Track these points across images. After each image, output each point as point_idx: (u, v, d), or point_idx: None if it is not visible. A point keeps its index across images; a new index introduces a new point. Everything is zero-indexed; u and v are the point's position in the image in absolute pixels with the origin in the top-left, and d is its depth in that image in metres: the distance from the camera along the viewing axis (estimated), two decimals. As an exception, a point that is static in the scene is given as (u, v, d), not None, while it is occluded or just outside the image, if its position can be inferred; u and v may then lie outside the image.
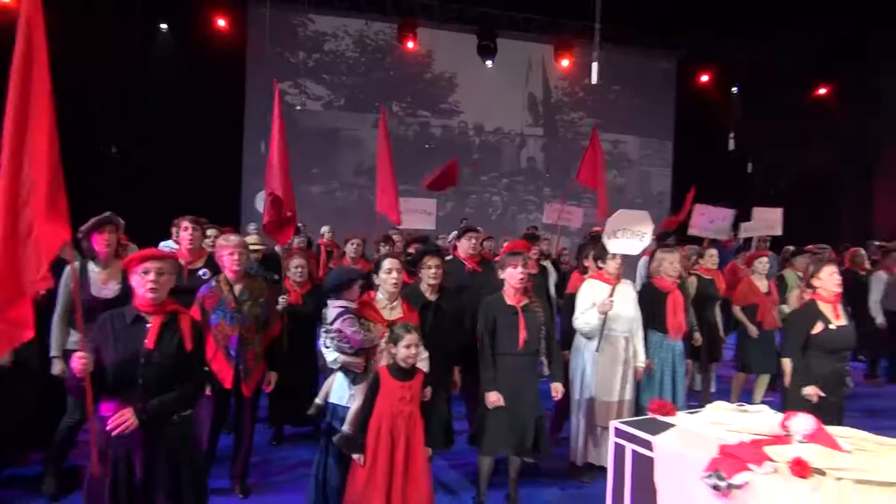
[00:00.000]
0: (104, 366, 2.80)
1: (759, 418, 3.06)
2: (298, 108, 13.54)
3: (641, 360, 4.69)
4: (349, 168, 14.20)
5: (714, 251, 6.34)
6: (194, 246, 4.76)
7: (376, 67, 14.28)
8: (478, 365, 4.76)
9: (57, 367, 4.01)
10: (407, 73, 14.43)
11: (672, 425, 3.03)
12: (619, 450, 3.07)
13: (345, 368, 3.75)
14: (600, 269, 4.74)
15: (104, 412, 2.82)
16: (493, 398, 4.07)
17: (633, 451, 2.98)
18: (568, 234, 10.08)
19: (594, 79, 8.88)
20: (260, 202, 9.00)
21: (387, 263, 3.96)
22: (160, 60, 12.47)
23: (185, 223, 4.76)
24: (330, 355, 3.76)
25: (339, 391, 3.77)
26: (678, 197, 14.34)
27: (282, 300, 4.89)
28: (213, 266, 4.69)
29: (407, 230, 8.33)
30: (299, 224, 7.41)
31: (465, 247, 5.64)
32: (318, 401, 3.95)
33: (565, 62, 14.89)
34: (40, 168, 2.55)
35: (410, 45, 13.91)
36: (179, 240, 4.87)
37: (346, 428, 3.66)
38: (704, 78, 15.89)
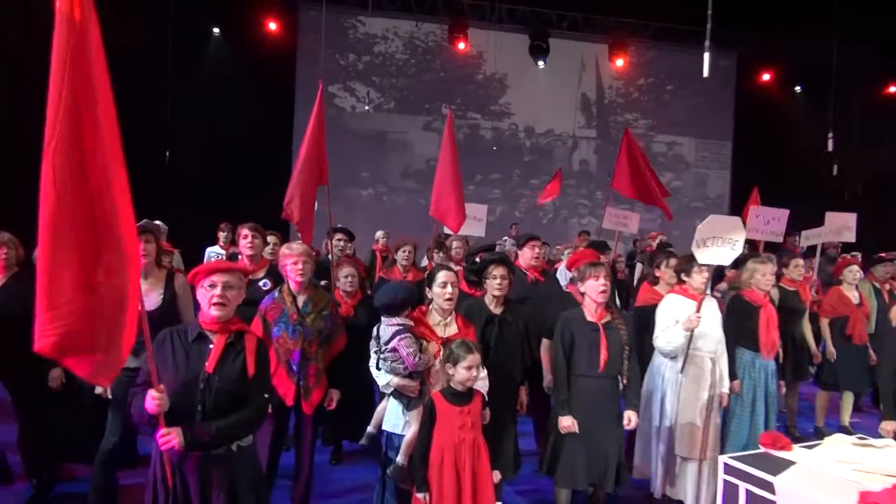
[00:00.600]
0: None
1: (891, 456, 2.69)
2: (367, 108, 13.33)
3: (727, 385, 4.29)
4: (397, 171, 14.01)
5: (800, 260, 5.88)
6: (255, 254, 4.54)
7: (426, 69, 14.05)
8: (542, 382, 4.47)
9: (99, 387, 3.76)
10: (457, 74, 14.17)
11: (791, 462, 2.68)
12: (731, 489, 2.73)
13: (398, 392, 3.48)
14: (683, 282, 4.36)
15: None
16: (567, 422, 3.73)
17: (748, 492, 2.64)
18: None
19: (706, 72, 8.41)
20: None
21: (441, 276, 3.65)
22: (212, 64, 12.49)
23: (245, 231, 4.53)
24: (382, 378, 3.49)
25: (393, 418, 3.49)
26: (737, 200, 13.78)
27: None
28: (275, 276, 4.49)
29: (464, 237, 8.06)
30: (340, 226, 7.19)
31: (526, 256, 5.32)
32: (370, 429, 3.68)
33: (620, 62, 14.43)
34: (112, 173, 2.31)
35: (461, 45, 13.63)
36: (239, 248, 4.66)
37: (399, 459, 3.38)
38: (766, 76, 15.25)
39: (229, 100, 12.03)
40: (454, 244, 7.27)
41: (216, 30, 12.56)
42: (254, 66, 12.27)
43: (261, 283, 4.40)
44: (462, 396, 3.28)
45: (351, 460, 5.16)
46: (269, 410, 3.80)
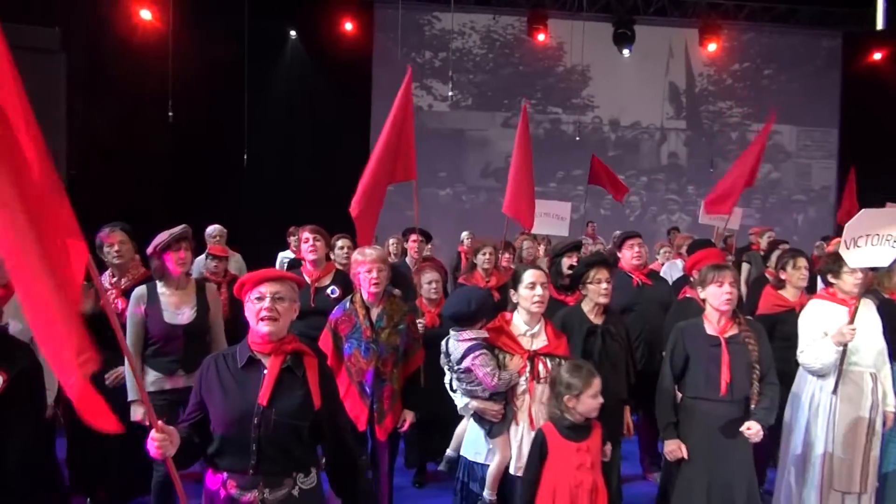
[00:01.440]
0: (210, 423, 2.21)
1: None
2: (450, 94, 12.92)
3: (892, 402, 3.58)
4: (476, 170, 13.60)
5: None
6: (318, 258, 4.17)
7: (504, 64, 13.56)
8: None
9: (138, 413, 3.42)
10: (537, 67, 13.60)
11: None
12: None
13: (478, 416, 3.00)
14: (830, 285, 3.68)
15: (210, 485, 2.22)
16: (672, 447, 3.17)
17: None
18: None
19: (880, 23, 7.64)
20: None
21: (529, 275, 3.11)
22: (289, 66, 12.47)
23: (306, 234, 4.18)
24: (459, 400, 3.03)
25: (474, 445, 3.03)
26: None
27: (420, 324, 4.24)
28: (343, 282, 4.12)
29: (544, 237, 7.56)
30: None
31: (627, 257, 4.79)
32: (450, 452, 3.23)
33: (712, 46, 13.46)
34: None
35: (541, 37, 13.04)
36: (301, 253, 4.33)
37: (486, 495, 2.91)
38: (877, 56, 13.90)
39: (306, 101, 12.01)
40: (525, 244, 6.75)
41: (293, 32, 12.49)
42: (330, 67, 12.18)
43: (329, 291, 4.02)
44: (580, 430, 2.77)
45: (436, 482, 4.70)
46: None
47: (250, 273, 2.32)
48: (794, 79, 14.06)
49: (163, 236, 3.52)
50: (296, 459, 2.26)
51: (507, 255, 5.80)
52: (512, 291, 3.19)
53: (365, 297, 3.49)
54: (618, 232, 8.83)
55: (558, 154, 13.35)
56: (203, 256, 6.74)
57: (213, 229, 6.99)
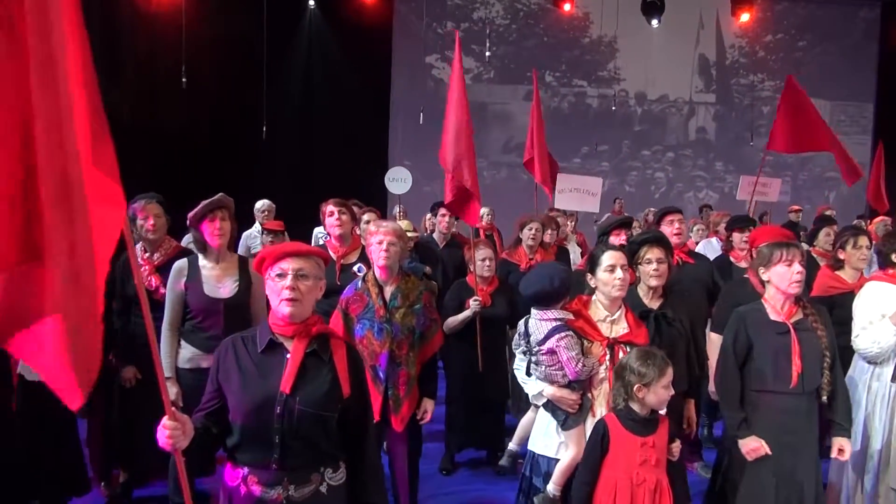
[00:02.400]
0: (228, 412, 2.02)
1: None
2: (488, 54, 12.66)
3: (958, 393, 3.31)
4: (497, 145, 13.29)
5: None
6: (344, 234, 3.95)
7: (528, 35, 13.16)
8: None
9: (171, 392, 3.26)
10: (562, 38, 13.20)
11: None
12: None
13: (551, 405, 2.77)
14: (891, 266, 3.40)
15: (229, 480, 2.02)
16: (753, 445, 2.86)
17: None
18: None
19: None
20: (389, 182, 8.26)
21: (608, 257, 2.88)
22: (308, 37, 12.20)
23: (331, 207, 3.93)
24: (533, 386, 2.80)
25: (544, 437, 2.79)
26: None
27: (474, 303, 4.06)
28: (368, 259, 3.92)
29: (569, 212, 7.33)
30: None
31: (667, 234, 4.48)
32: (512, 446, 3.02)
33: (745, 16, 12.95)
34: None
35: (566, 7, 12.62)
36: (326, 228, 4.12)
37: (551, 488, 2.70)
38: (918, 27, 13.37)
39: (325, 72, 11.81)
40: (560, 219, 6.51)
41: (311, 2, 12.18)
42: (350, 38, 11.87)
43: (355, 269, 3.79)
44: (646, 423, 2.55)
45: (465, 468, 4.48)
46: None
47: (271, 247, 2.10)
48: (830, 51, 13.56)
49: (198, 208, 3.37)
50: (323, 453, 2.06)
51: (549, 232, 5.57)
52: (589, 276, 2.98)
53: (376, 272, 3.26)
54: (652, 209, 8.57)
55: (583, 128, 13.01)
56: (253, 231, 6.61)
57: (262, 204, 6.86)
